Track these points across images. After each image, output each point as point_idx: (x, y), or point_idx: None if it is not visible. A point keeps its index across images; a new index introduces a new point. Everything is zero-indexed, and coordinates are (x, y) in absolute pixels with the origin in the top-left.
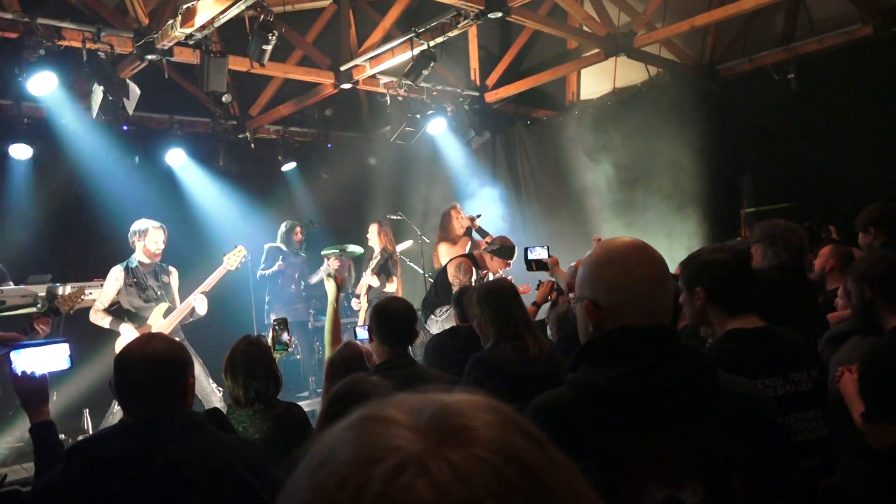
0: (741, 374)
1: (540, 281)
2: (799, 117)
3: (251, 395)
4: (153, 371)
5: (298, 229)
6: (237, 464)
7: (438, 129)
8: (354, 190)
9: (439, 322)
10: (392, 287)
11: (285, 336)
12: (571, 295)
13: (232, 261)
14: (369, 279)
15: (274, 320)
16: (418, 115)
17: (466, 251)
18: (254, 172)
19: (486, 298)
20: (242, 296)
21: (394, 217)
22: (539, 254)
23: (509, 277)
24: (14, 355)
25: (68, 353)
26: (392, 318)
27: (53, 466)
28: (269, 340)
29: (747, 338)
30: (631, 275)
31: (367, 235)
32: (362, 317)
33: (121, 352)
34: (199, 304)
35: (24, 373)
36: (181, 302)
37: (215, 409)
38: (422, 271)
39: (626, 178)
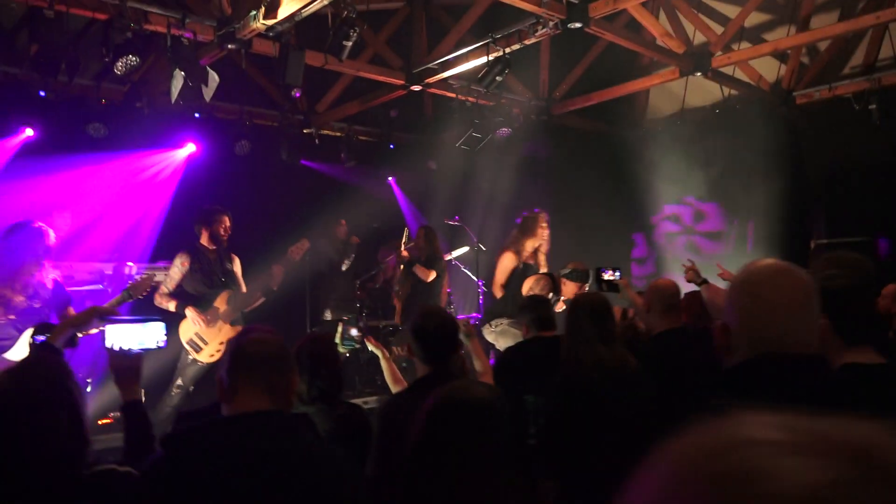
0: None
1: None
2: (878, 150)
3: (314, 394)
4: (265, 367)
5: (343, 222)
6: (330, 474)
7: (503, 137)
8: (414, 192)
9: (493, 333)
10: (429, 275)
11: (354, 331)
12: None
13: (296, 252)
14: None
15: (344, 318)
16: (483, 122)
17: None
18: (315, 169)
19: (570, 310)
20: (298, 290)
21: (451, 223)
22: (611, 275)
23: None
24: (110, 330)
25: (164, 332)
26: (428, 336)
27: (144, 446)
28: (337, 336)
29: (866, 375)
30: (763, 299)
31: (415, 240)
32: (399, 311)
33: (237, 343)
34: (273, 282)
35: (120, 349)
36: (246, 288)
37: (307, 415)
38: (475, 278)
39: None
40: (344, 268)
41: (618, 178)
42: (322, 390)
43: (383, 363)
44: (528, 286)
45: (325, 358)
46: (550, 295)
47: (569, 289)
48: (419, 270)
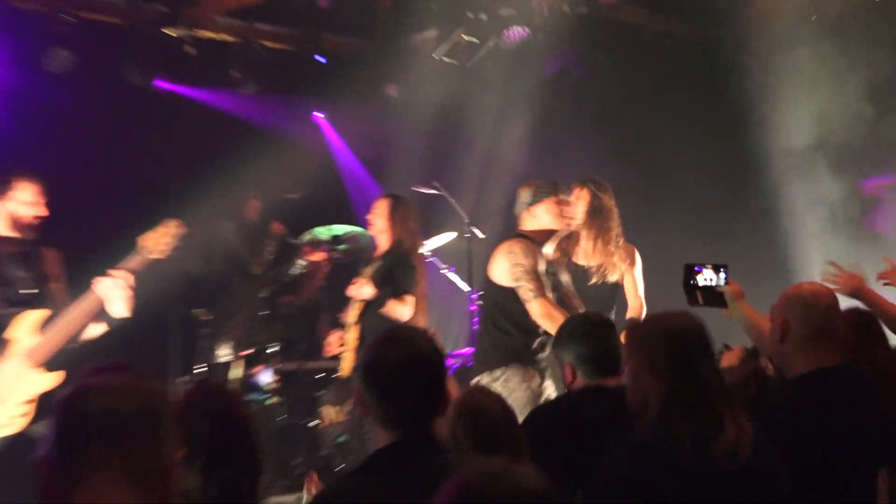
0: None
1: None
2: None
3: (213, 492)
4: (127, 436)
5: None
6: None
7: (515, 43)
8: (362, 138)
9: (498, 387)
10: (404, 311)
11: (267, 376)
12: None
13: (155, 243)
14: (361, 290)
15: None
16: (484, 17)
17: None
18: (188, 97)
19: (654, 341)
20: (163, 311)
21: (424, 190)
22: (710, 278)
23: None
24: None
25: None
26: (391, 378)
27: None
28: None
29: None
30: None
31: (371, 218)
32: (348, 363)
33: (73, 397)
34: (114, 301)
35: None
36: (72, 308)
37: None
38: (468, 288)
39: (838, 142)
40: (257, 272)
41: (709, 110)
42: (226, 486)
43: None
44: (505, 271)
45: (232, 427)
46: (539, 256)
47: (555, 216)
48: (392, 308)
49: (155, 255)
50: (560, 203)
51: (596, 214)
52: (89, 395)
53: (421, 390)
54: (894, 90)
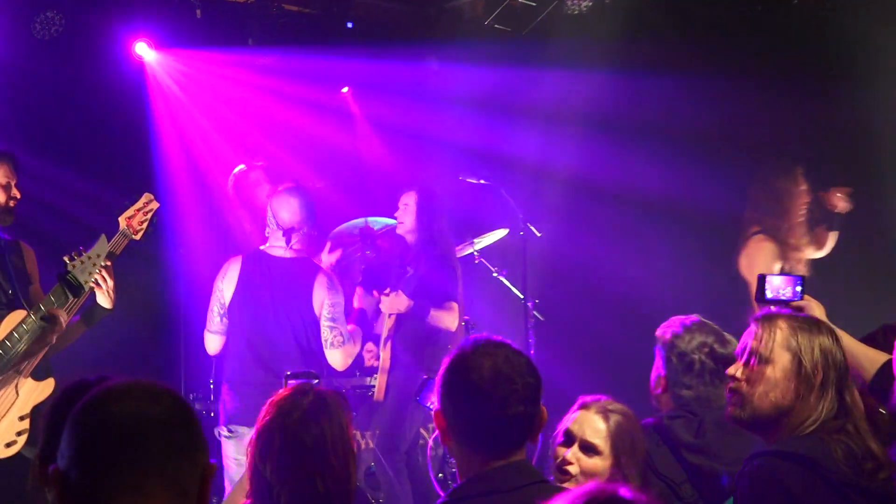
0: None
1: None
2: None
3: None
4: (160, 445)
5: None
6: None
7: (581, 8)
8: (397, 119)
9: None
10: (451, 320)
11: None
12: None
13: (134, 221)
14: (394, 302)
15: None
16: None
17: None
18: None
19: (814, 342)
20: (157, 310)
21: (472, 181)
22: (782, 289)
23: None
24: None
25: None
26: (482, 388)
27: None
28: None
29: None
30: None
31: (398, 215)
32: (381, 384)
33: (92, 404)
34: (99, 293)
35: None
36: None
37: None
38: (521, 296)
39: None
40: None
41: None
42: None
43: None
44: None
45: (336, 438)
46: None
47: None
48: (437, 318)
49: (136, 235)
50: None
51: None
52: (112, 400)
53: (506, 411)
54: None
